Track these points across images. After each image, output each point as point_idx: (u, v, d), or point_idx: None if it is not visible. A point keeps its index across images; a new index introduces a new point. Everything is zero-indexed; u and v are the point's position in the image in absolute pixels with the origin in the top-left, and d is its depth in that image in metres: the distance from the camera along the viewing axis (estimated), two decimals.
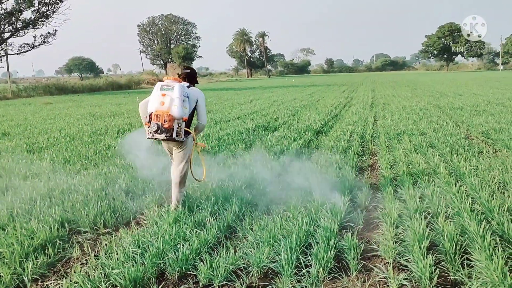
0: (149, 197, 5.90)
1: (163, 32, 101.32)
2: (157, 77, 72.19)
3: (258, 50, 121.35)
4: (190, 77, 5.41)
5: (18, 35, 41.07)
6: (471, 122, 11.90)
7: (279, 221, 4.77)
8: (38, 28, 41.75)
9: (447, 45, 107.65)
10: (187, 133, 5.11)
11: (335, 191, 5.76)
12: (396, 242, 4.22)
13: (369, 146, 9.38)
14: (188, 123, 5.11)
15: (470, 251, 3.86)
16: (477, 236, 3.96)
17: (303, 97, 26.53)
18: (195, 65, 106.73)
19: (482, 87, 29.97)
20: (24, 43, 42.40)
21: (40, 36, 42.40)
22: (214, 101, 25.20)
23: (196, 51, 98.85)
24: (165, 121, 4.80)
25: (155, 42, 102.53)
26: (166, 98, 4.85)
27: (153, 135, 4.88)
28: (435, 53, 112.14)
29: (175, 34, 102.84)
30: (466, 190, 5.67)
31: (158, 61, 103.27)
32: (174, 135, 4.87)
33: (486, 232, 4.02)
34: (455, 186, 5.70)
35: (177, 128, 4.87)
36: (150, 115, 4.90)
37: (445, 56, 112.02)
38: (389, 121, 12.96)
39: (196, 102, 5.24)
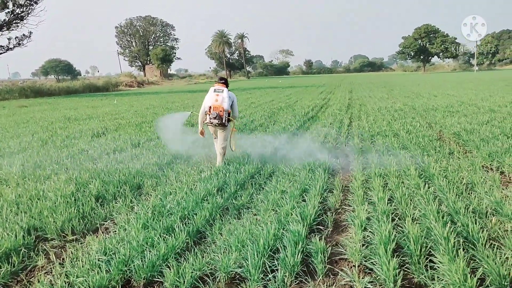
0: (120, 202, 5.85)
1: (141, 34, 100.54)
2: (135, 79, 71.55)
3: (237, 52, 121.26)
4: (225, 84, 7.69)
5: None
6: (444, 123, 12.09)
7: (248, 225, 4.76)
8: (12, 30, 41.10)
9: (423, 46, 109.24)
10: (229, 120, 7.52)
11: (306, 194, 5.81)
12: (363, 245, 4.25)
13: (343, 148, 9.44)
14: (229, 114, 7.49)
15: (434, 253, 3.90)
16: (441, 238, 4.02)
17: (281, 98, 26.59)
18: (173, 66, 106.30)
19: (457, 88, 30.48)
20: None
21: (15, 38, 41.75)
22: (191, 103, 25.09)
23: (175, 53, 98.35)
24: (220, 111, 7.32)
25: (133, 43, 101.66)
26: (219, 97, 7.42)
27: (211, 120, 7.35)
28: (412, 54, 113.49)
29: (153, 35, 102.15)
30: (434, 192, 5.75)
31: (136, 63, 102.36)
32: (223, 121, 7.35)
33: (451, 234, 4.08)
34: (424, 188, 5.77)
35: (225, 116, 7.34)
36: (209, 107, 7.38)
37: (421, 57, 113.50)
38: (364, 123, 13.08)
39: (233, 102, 7.64)
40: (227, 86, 7.68)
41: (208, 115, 7.38)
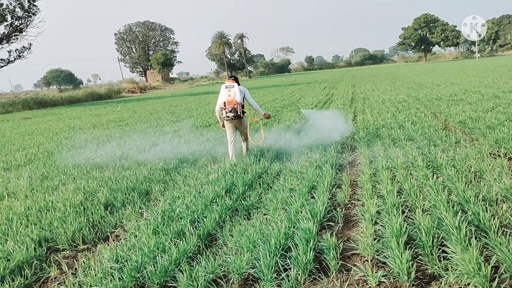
0: (129, 209, 5.86)
1: (141, 39, 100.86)
2: (137, 85, 71.69)
3: (238, 52, 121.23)
4: (236, 80, 8.31)
5: None
6: (449, 112, 12.02)
7: (258, 225, 4.75)
8: (12, 42, 41.33)
9: (423, 36, 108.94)
10: (243, 112, 8.13)
11: (315, 191, 5.80)
12: (375, 239, 4.24)
13: (348, 142, 9.41)
14: (242, 106, 8.08)
15: (447, 244, 3.88)
16: (453, 228, 3.99)
17: (284, 96, 26.57)
18: (175, 70, 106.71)
19: (460, 76, 30.33)
20: None
21: (15, 50, 42.03)
22: (195, 106, 25.12)
23: (175, 57, 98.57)
24: (234, 104, 7.86)
25: (133, 49, 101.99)
26: (231, 92, 7.95)
27: (227, 114, 7.90)
28: (413, 44, 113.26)
29: (153, 40, 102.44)
30: (443, 182, 5.71)
31: (137, 69, 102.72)
32: (239, 113, 7.92)
33: (462, 223, 4.05)
34: (432, 178, 5.74)
35: (239, 109, 7.90)
36: (224, 103, 7.92)
37: (422, 47, 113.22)
38: (369, 116, 13.03)
39: (245, 94, 8.28)
40: (237, 83, 8.24)
41: (224, 110, 7.95)
